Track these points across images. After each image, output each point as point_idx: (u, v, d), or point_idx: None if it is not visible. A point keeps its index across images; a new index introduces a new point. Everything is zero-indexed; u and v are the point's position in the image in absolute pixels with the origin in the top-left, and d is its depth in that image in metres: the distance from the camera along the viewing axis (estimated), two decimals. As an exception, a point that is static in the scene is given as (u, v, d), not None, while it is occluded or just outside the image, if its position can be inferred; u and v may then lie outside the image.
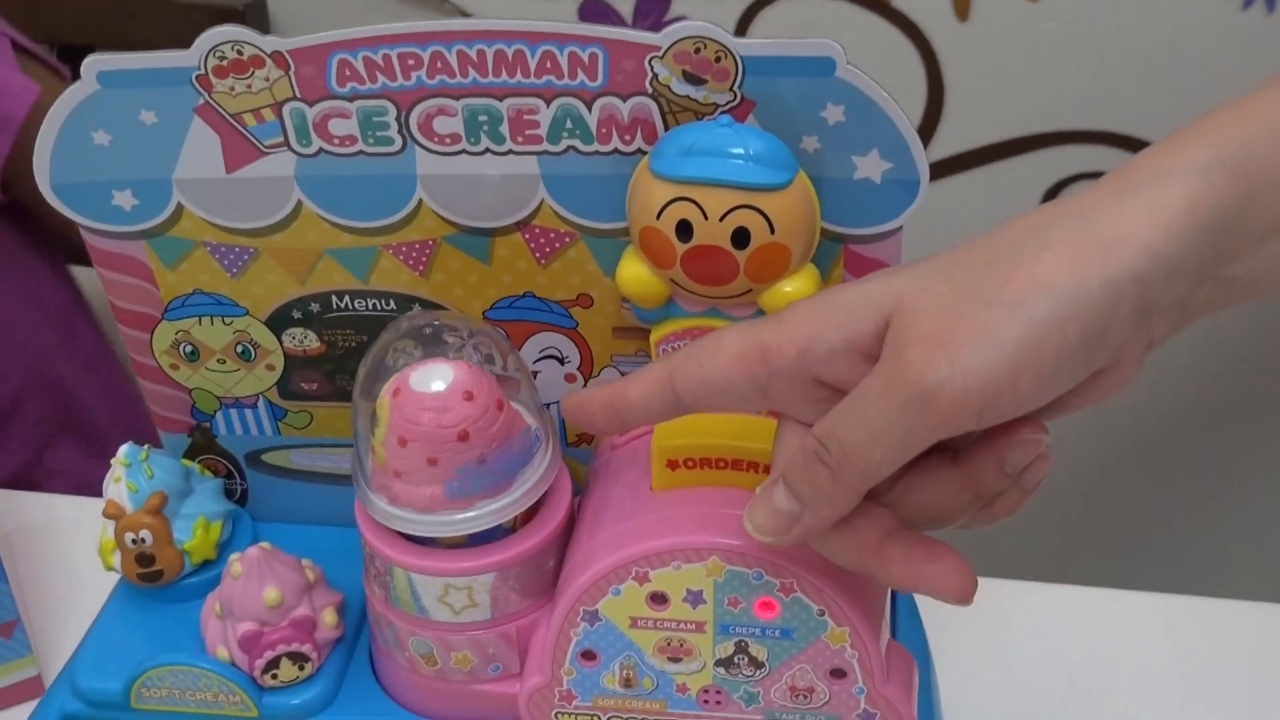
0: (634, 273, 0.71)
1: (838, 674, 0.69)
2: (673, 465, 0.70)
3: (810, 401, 0.58)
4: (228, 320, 0.79)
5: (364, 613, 0.82)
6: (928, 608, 0.80)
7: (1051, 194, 1.30)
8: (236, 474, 0.85)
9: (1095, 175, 1.30)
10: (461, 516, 0.71)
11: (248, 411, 0.82)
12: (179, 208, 0.74)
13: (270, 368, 0.80)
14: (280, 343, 0.79)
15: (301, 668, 0.77)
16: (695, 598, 0.68)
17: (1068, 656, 0.92)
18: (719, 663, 0.70)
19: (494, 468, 0.71)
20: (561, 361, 0.78)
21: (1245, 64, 1.21)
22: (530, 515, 0.74)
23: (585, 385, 0.79)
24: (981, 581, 0.58)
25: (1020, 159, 1.28)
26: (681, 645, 0.70)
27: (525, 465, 0.72)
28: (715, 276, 0.69)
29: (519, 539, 0.73)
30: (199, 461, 0.85)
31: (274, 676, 0.76)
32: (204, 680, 0.76)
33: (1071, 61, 1.23)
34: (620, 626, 0.70)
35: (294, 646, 0.76)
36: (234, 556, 0.76)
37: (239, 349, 0.80)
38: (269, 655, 0.75)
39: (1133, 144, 1.27)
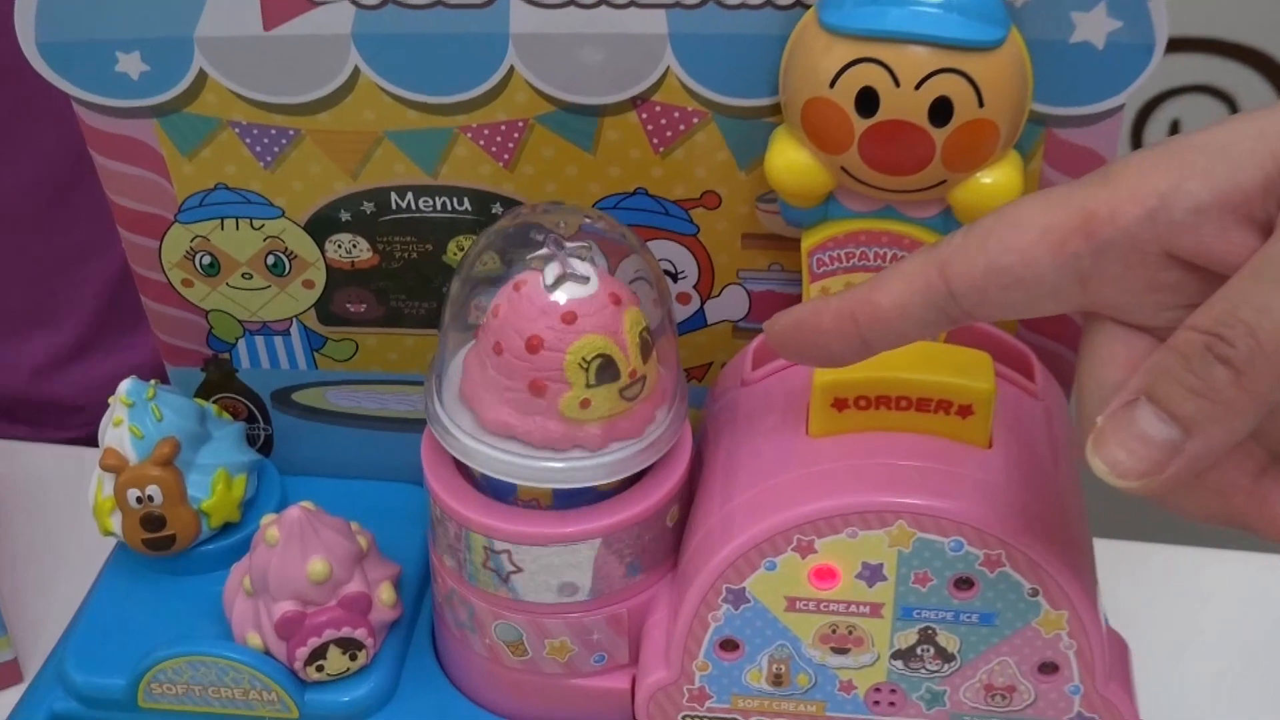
0: (791, 159, 0.55)
1: (1048, 669, 0.55)
2: (840, 405, 0.55)
3: (1152, 291, 0.42)
4: (257, 224, 0.63)
5: (423, 589, 0.67)
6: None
7: (1146, 111, 1.16)
8: (260, 417, 0.70)
9: (1203, 89, 1.16)
10: (565, 464, 0.56)
11: (277, 340, 0.67)
12: (201, 75, 0.58)
13: (308, 285, 0.65)
14: (323, 253, 0.64)
15: (354, 657, 0.61)
16: (874, 573, 0.54)
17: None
18: (897, 654, 0.55)
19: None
20: (675, 278, 0.63)
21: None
22: (640, 471, 0.59)
23: (703, 306, 0.64)
24: None
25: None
26: (851, 633, 0.55)
27: (659, 405, 0.57)
28: (903, 162, 0.54)
29: (630, 499, 0.58)
30: (214, 402, 0.69)
31: (319, 669, 0.61)
32: (232, 674, 0.61)
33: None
34: (773, 610, 0.55)
35: (345, 631, 0.61)
36: (268, 518, 0.61)
37: (270, 261, 0.64)
38: (314, 643, 0.60)
39: (1248, 54, 1.13)
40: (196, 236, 0.63)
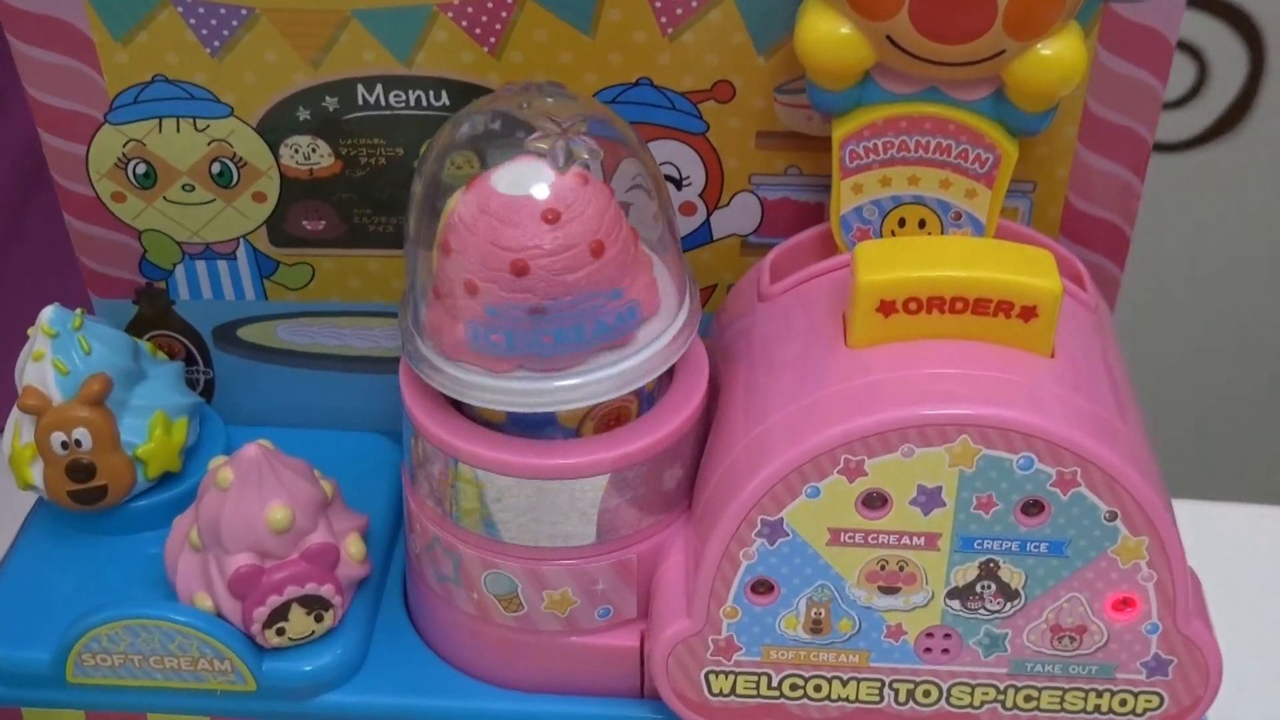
0: (827, 31, 0.49)
1: (1123, 605, 0.48)
2: (887, 309, 0.48)
3: None
4: (202, 125, 0.55)
5: (392, 546, 0.59)
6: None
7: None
8: (200, 358, 0.62)
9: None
10: (562, 383, 0.48)
11: (221, 264, 0.59)
12: (139, -60, 0.50)
13: (259, 198, 0.57)
14: (277, 159, 0.56)
15: (319, 619, 0.53)
16: (931, 498, 0.47)
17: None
18: (953, 593, 0.49)
19: (613, 315, 0.49)
20: (679, 185, 0.56)
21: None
22: (649, 399, 0.52)
23: (709, 218, 0.57)
24: None
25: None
26: (903, 569, 0.48)
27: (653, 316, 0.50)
28: (961, 25, 0.47)
29: (642, 427, 0.51)
30: (147, 339, 0.61)
31: (280, 632, 0.53)
32: (178, 640, 0.53)
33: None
34: (814, 544, 0.48)
35: (309, 588, 0.53)
36: (218, 460, 0.53)
37: (215, 169, 0.56)
38: (274, 601, 0.52)
39: (1217, 5, 1.08)
40: (130, 140, 0.55)
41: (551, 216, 0.47)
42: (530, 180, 0.48)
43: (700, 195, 0.56)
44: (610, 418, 0.51)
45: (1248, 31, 1.12)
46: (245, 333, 0.61)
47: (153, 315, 0.60)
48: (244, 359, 0.62)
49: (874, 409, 0.46)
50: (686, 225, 0.57)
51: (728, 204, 0.57)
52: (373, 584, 0.57)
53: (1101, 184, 0.55)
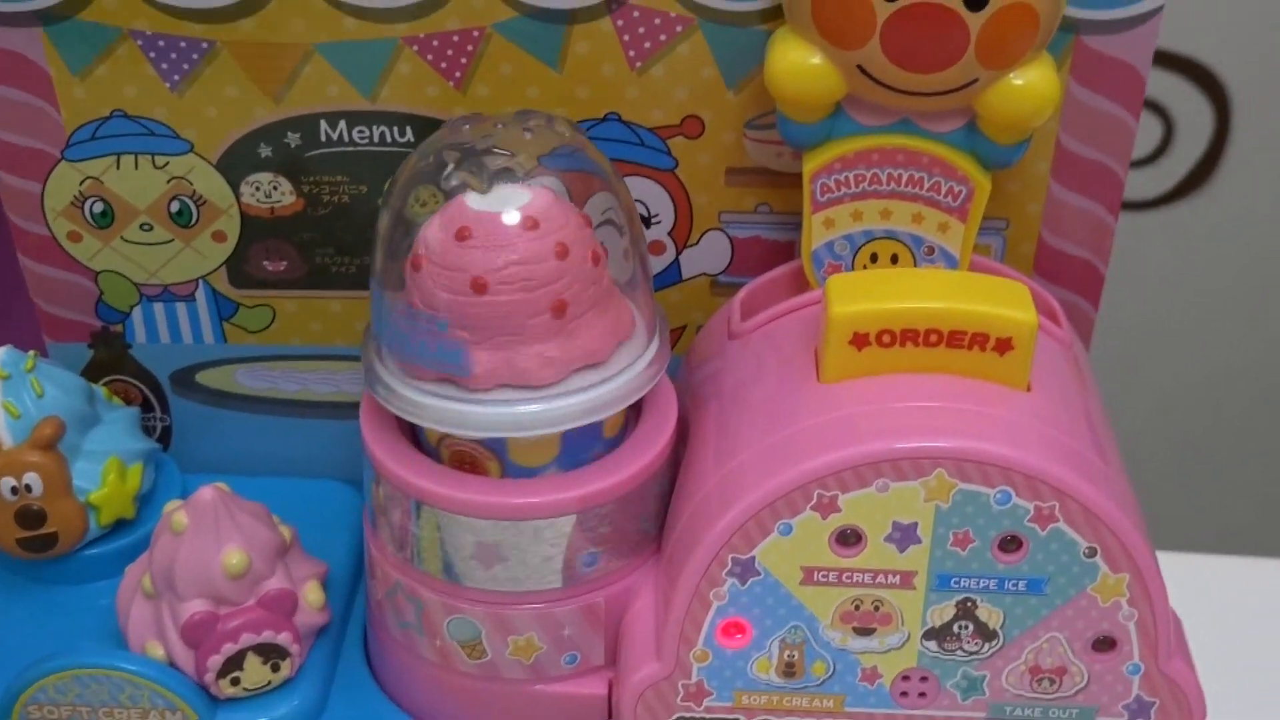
0: (797, 61, 0.48)
1: (1104, 645, 0.47)
2: (860, 342, 0.47)
3: None
4: (161, 161, 0.54)
5: (352, 595, 0.57)
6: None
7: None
8: (157, 405, 0.60)
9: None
10: (530, 408, 0.47)
11: (180, 307, 0.57)
12: (97, -28, 0.50)
13: (219, 237, 0.56)
14: (237, 197, 0.55)
15: (276, 668, 0.52)
16: (906, 534, 0.46)
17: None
18: (930, 634, 0.47)
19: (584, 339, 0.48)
20: (647, 223, 0.55)
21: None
22: (619, 436, 0.51)
23: (679, 257, 0.56)
24: None
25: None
26: (878, 609, 0.47)
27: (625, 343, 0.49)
28: (932, 54, 0.47)
29: (610, 465, 0.49)
30: (103, 385, 0.59)
31: (235, 682, 0.51)
32: (129, 691, 0.51)
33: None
34: (787, 584, 0.47)
35: (266, 636, 0.51)
36: (173, 504, 0.51)
37: (174, 208, 0.55)
38: (229, 650, 0.51)
39: (1184, 64, 1.09)
40: (87, 178, 0.54)
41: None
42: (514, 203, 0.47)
43: (669, 234, 0.56)
44: (465, 458, 0.49)
45: (1213, 89, 1.12)
46: (204, 377, 0.59)
47: (109, 360, 0.59)
48: (202, 405, 0.60)
49: (847, 443, 0.45)
50: (655, 264, 0.56)
51: (697, 242, 0.56)
52: (333, 633, 0.55)
53: (1075, 220, 0.55)
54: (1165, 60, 1.11)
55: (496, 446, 0.48)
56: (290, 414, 0.60)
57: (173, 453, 0.61)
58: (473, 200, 0.47)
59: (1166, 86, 1.12)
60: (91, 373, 0.59)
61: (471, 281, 0.46)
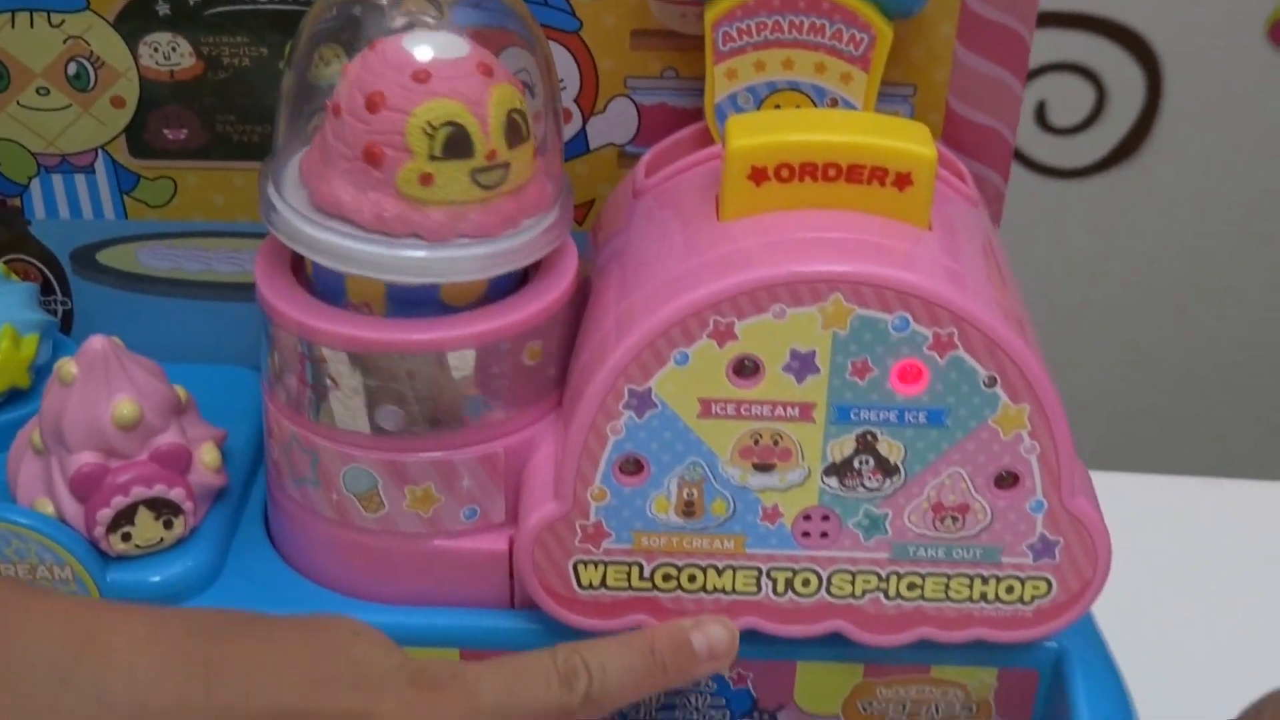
0: (693, -103, 0.48)
1: (1007, 480, 0.47)
2: (758, 177, 0.46)
3: None
4: (56, 19, 0.53)
5: (253, 471, 0.56)
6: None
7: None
8: (57, 287, 0.59)
9: (1071, 67, 1.13)
10: (394, 253, 0.46)
11: (79, 179, 0.57)
12: None
13: (118, 102, 0.55)
14: (136, 59, 0.54)
15: (169, 525, 0.51)
16: (805, 364, 0.45)
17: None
18: (830, 470, 0.46)
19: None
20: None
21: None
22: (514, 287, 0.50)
23: (585, 126, 0.56)
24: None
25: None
26: (777, 443, 0.46)
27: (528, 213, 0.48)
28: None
29: (510, 305, 0.49)
30: (2, 264, 0.58)
31: (126, 538, 0.50)
32: (15, 544, 0.49)
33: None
34: (684, 417, 0.46)
35: (157, 490, 0.50)
36: (64, 359, 0.50)
37: (72, 70, 0.54)
38: (119, 503, 0.49)
39: (1117, 31, 1.09)
40: (-19, 36, 0.53)
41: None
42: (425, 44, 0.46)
43: (576, 100, 0.55)
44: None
45: (1144, 56, 1.13)
46: (105, 257, 0.59)
47: (8, 239, 0.58)
48: (104, 287, 0.59)
49: (743, 269, 0.45)
50: (563, 134, 0.56)
51: (604, 109, 0.55)
52: (231, 501, 0.54)
53: (982, 87, 0.55)
54: (1097, 25, 1.12)
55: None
56: (194, 295, 0.59)
57: (74, 338, 0.60)
58: (411, 44, 0.46)
59: (1098, 51, 1.13)
60: (-11, 250, 0.58)
61: (366, 99, 0.45)
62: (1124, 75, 1.13)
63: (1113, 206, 1.17)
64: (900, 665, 0.51)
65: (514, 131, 0.47)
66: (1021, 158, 1.16)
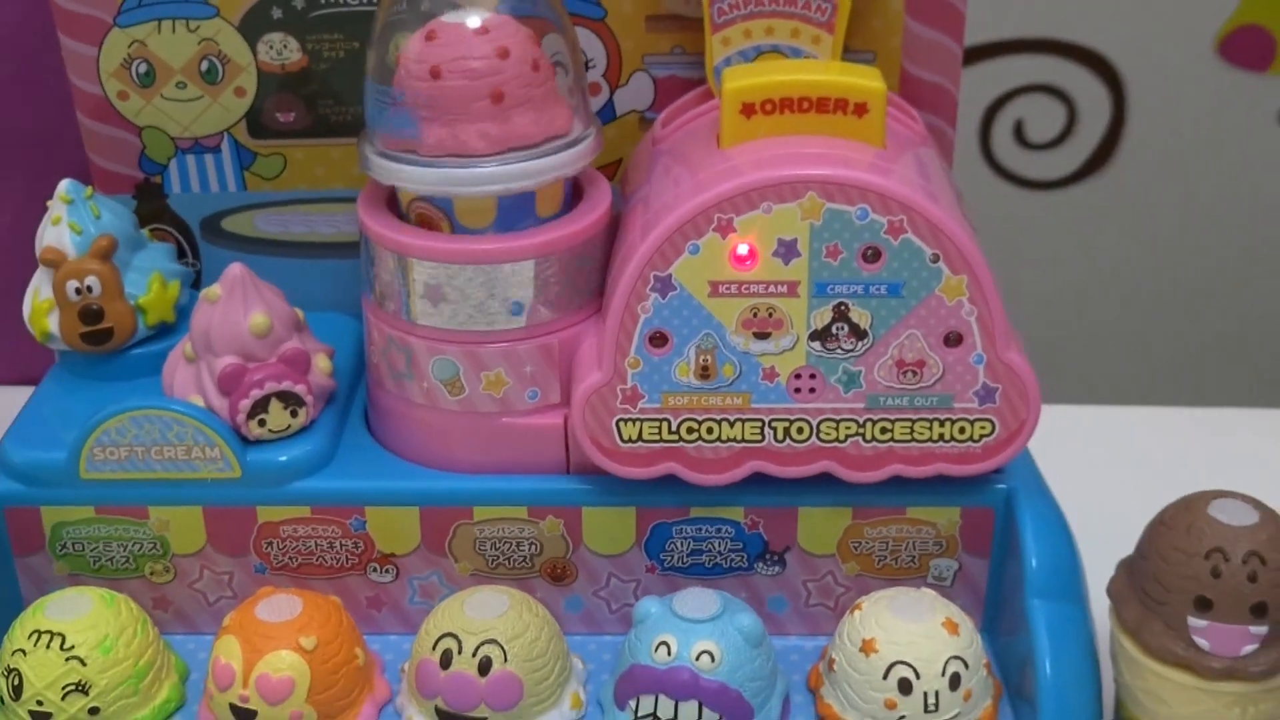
0: (690, -98, 0.62)
1: (953, 340, 0.59)
2: (748, 111, 0.60)
3: None
4: (193, 25, 0.67)
5: (351, 392, 0.69)
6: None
7: (992, 110, 1.25)
8: (189, 251, 0.73)
9: (1043, 88, 1.26)
10: (487, 169, 0.60)
11: (208, 158, 0.70)
12: None
13: (240, 92, 0.69)
14: (255, 56, 0.68)
15: (294, 414, 0.64)
16: (789, 249, 0.58)
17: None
18: (814, 335, 0.59)
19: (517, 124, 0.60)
20: (587, 65, 0.68)
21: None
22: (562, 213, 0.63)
23: (612, 97, 0.69)
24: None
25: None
26: (771, 315, 0.59)
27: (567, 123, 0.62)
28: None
29: (557, 224, 0.62)
30: (147, 230, 0.72)
31: (261, 423, 0.63)
32: (175, 429, 0.62)
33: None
34: (698, 295, 0.59)
35: (286, 385, 0.63)
36: (210, 286, 0.64)
37: (204, 66, 0.68)
38: (256, 395, 0.62)
39: (1083, 54, 1.23)
40: (134, 41, 0.67)
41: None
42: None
43: (604, 76, 0.69)
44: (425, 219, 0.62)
45: (1109, 77, 1.26)
46: (228, 224, 0.72)
47: (150, 211, 0.72)
48: (227, 250, 0.73)
49: (737, 176, 0.58)
50: (594, 104, 0.69)
51: (626, 83, 0.69)
52: (339, 403, 0.67)
53: (929, 51, 0.68)
54: (1066, 50, 1.25)
55: (445, 206, 0.61)
56: (300, 255, 0.73)
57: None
58: (446, 16, 0.60)
59: (1068, 74, 1.26)
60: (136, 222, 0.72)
61: (430, 70, 0.59)
62: (1092, 95, 1.26)
63: (1087, 213, 1.30)
64: (881, 508, 0.63)
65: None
66: (1003, 172, 1.29)
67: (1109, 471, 0.80)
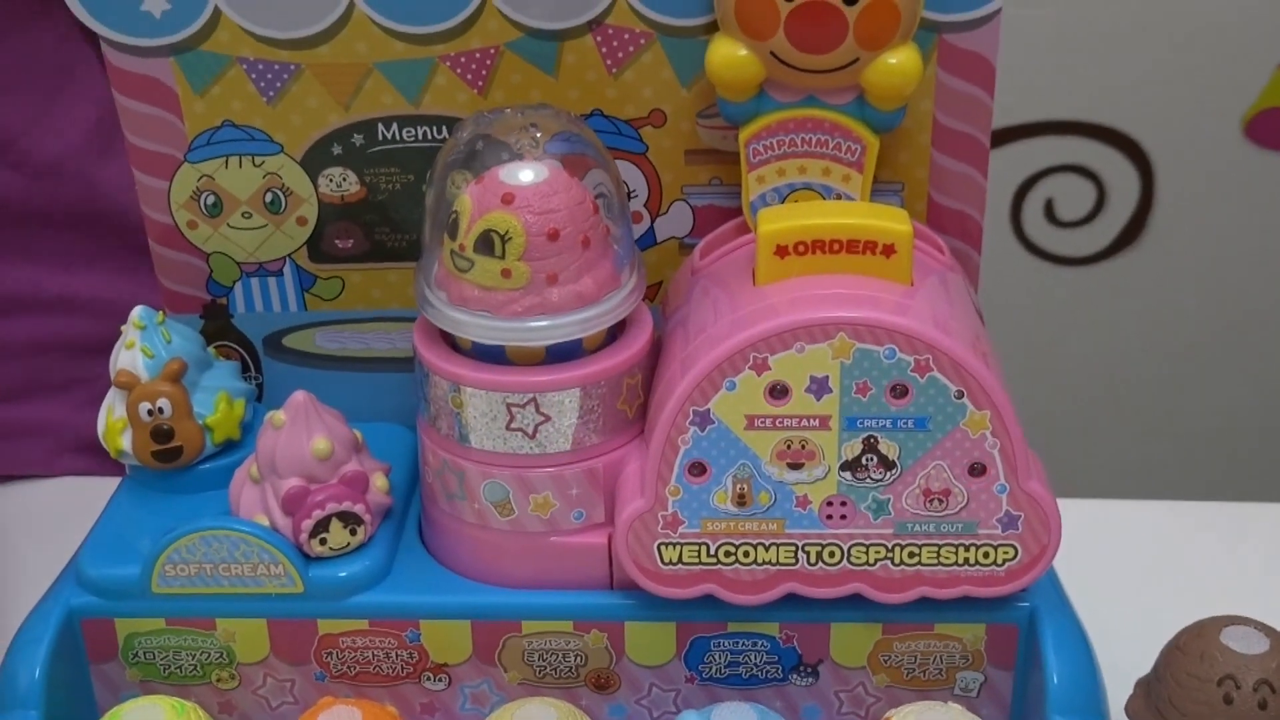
0: (726, 53, 0.65)
1: (977, 471, 0.63)
2: (781, 252, 0.63)
3: None
4: (258, 161, 0.71)
5: (407, 502, 0.73)
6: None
7: (1023, 189, 1.29)
8: (252, 366, 0.77)
9: (1073, 168, 1.30)
10: (538, 324, 0.63)
11: (271, 281, 0.74)
12: (215, 13, 0.68)
13: (302, 221, 0.73)
14: (316, 188, 0.72)
15: (354, 532, 0.67)
16: (820, 386, 0.62)
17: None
18: (845, 466, 0.63)
19: (580, 271, 0.64)
20: (629, 197, 0.72)
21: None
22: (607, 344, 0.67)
23: (653, 224, 0.73)
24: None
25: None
26: (804, 447, 0.63)
27: (613, 279, 0.65)
28: (822, 39, 0.64)
29: (602, 356, 0.66)
30: (213, 348, 0.76)
31: (322, 542, 0.67)
32: (242, 548, 0.66)
33: (1042, 48, 1.23)
34: (735, 429, 0.62)
35: (345, 505, 0.67)
36: (274, 411, 0.67)
37: (268, 198, 0.72)
38: (318, 515, 0.66)
39: (1111, 135, 1.26)
40: (203, 175, 0.71)
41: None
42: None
43: (645, 205, 0.72)
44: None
45: (1137, 158, 1.30)
46: (290, 341, 0.76)
47: (215, 329, 0.76)
48: (289, 365, 0.77)
49: (773, 317, 0.61)
50: (635, 231, 0.73)
51: (666, 212, 0.73)
52: (395, 519, 0.70)
53: (954, 182, 0.71)
54: (1095, 132, 1.29)
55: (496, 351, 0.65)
56: (357, 369, 0.77)
57: (265, 405, 0.77)
58: (504, 173, 0.64)
59: (1097, 155, 1.29)
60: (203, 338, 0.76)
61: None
62: (1120, 174, 1.29)
63: (1116, 289, 1.33)
64: (910, 624, 0.66)
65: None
66: (1034, 249, 1.32)
67: (1135, 570, 0.83)
